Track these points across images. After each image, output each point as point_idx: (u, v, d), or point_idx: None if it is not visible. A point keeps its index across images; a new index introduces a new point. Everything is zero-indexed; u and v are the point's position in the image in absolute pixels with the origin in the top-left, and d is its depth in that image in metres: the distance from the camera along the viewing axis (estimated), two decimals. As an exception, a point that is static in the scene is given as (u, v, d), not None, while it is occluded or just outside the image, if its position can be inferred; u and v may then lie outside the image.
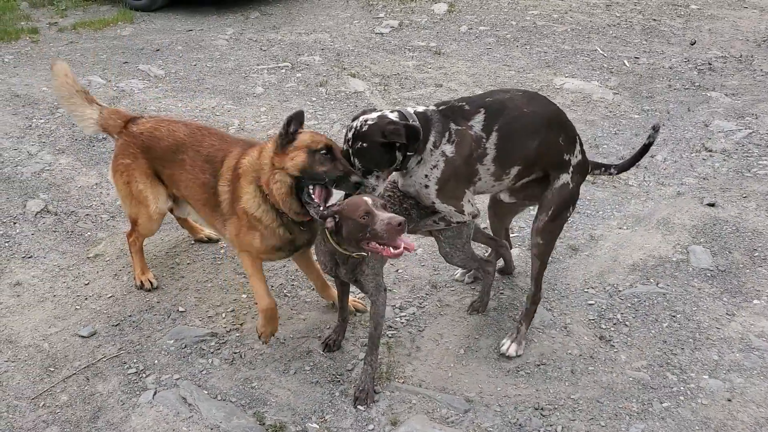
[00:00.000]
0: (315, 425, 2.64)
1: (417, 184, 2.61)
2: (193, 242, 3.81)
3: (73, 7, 8.43)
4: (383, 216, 2.29)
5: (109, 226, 3.96)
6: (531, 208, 3.38)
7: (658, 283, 3.42)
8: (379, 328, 2.72)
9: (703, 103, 5.52)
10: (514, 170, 2.69)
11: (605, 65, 6.38)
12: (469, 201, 2.67)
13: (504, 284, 3.45)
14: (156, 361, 2.96)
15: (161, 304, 3.33)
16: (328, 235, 2.52)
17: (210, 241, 3.78)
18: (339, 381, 2.85)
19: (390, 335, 3.09)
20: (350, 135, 2.50)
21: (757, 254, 3.62)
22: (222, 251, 3.73)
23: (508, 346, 2.96)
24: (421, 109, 2.58)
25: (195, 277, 3.52)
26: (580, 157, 2.83)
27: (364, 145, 2.44)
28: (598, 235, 3.84)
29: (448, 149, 2.54)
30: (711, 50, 6.69)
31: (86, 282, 3.49)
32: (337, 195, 2.64)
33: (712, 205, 4.07)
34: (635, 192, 4.28)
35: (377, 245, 2.35)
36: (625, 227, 3.92)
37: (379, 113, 2.51)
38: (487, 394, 2.77)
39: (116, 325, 3.18)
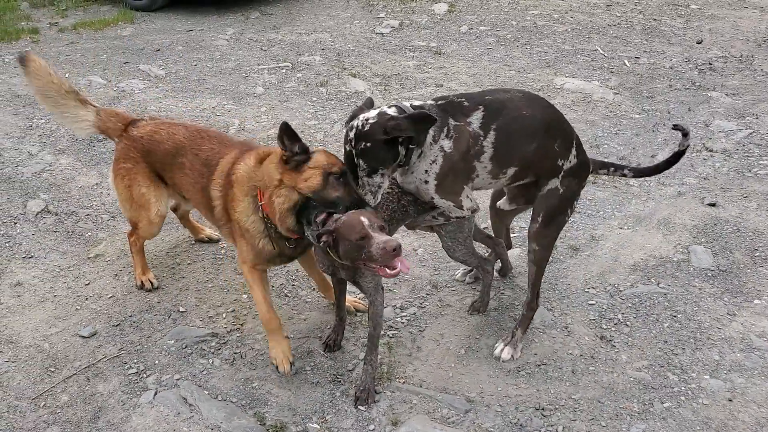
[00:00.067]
0: (315, 425, 2.64)
1: (417, 179, 2.60)
2: (193, 242, 3.81)
3: (73, 8, 8.43)
4: (379, 239, 2.27)
5: (110, 226, 3.96)
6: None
7: (659, 283, 3.42)
8: (379, 329, 2.72)
9: (704, 103, 5.51)
10: (511, 171, 2.68)
11: (606, 65, 6.38)
12: (467, 196, 2.66)
13: (505, 284, 3.45)
14: (156, 362, 2.96)
15: (162, 304, 3.33)
16: (327, 250, 2.51)
17: (210, 241, 3.78)
18: (339, 381, 2.85)
19: (391, 335, 3.08)
20: (352, 135, 2.46)
21: (757, 254, 3.62)
22: (222, 251, 3.73)
23: (502, 350, 2.95)
24: (417, 103, 2.56)
25: (195, 278, 3.52)
26: (575, 161, 2.78)
27: (368, 144, 2.42)
28: (599, 235, 3.84)
29: (446, 144, 2.53)
30: (711, 50, 6.69)
31: (87, 282, 3.49)
32: None
33: (712, 205, 4.07)
34: (636, 192, 4.28)
35: (373, 265, 2.35)
36: (625, 227, 3.92)
37: (377, 110, 2.48)
38: (488, 395, 2.77)
39: (117, 326, 3.18)
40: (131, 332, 3.14)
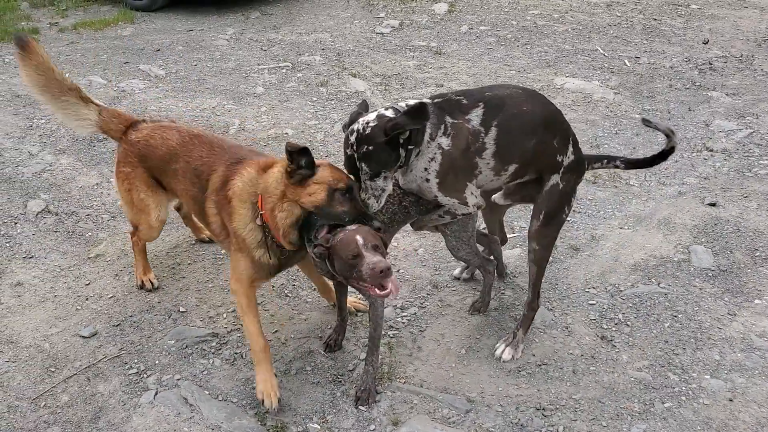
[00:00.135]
0: (316, 425, 2.63)
1: (418, 178, 2.60)
2: (194, 242, 3.81)
3: (73, 8, 8.43)
4: (370, 260, 2.28)
5: (110, 226, 3.96)
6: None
7: (659, 283, 3.42)
8: (379, 329, 2.72)
9: (704, 102, 5.51)
10: (512, 168, 2.67)
11: (606, 65, 6.38)
12: (472, 193, 2.65)
13: (505, 284, 3.45)
14: (157, 362, 2.96)
15: (162, 304, 3.33)
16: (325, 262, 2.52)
17: (212, 241, 3.77)
18: (340, 381, 2.85)
19: (391, 335, 3.08)
20: (353, 139, 2.44)
21: (758, 254, 3.62)
22: (223, 252, 3.73)
23: (503, 350, 2.95)
24: (413, 102, 2.56)
25: (196, 278, 3.52)
26: (572, 157, 2.79)
27: (370, 147, 2.41)
28: (600, 235, 3.84)
29: (444, 142, 2.53)
30: (711, 50, 6.69)
31: (87, 282, 3.49)
32: None
33: (713, 204, 4.07)
34: (636, 192, 4.28)
35: (364, 284, 2.37)
36: (626, 227, 3.92)
37: (375, 113, 2.47)
38: (488, 395, 2.77)
39: (117, 326, 3.18)
40: (132, 332, 3.14)
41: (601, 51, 6.73)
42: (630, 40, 7.04)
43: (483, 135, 2.56)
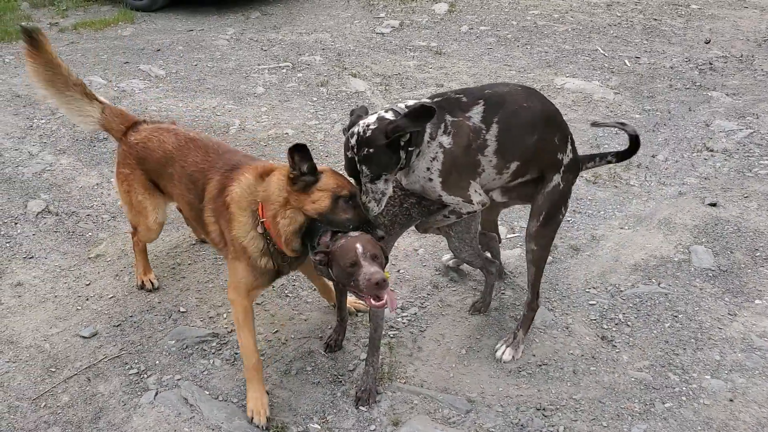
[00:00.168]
0: (316, 426, 2.63)
1: (421, 178, 2.59)
2: (194, 243, 3.80)
3: (73, 8, 8.43)
4: (367, 271, 2.28)
5: (110, 226, 3.96)
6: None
7: (659, 283, 3.42)
8: (380, 330, 2.72)
9: (704, 102, 5.51)
10: (513, 166, 2.67)
11: (606, 65, 6.38)
12: (476, 191, 2.65)
13: (505, 284, 3.45)
14: (157, 362, 2.96)
15: (162, 304, 3.33)
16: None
17: (211, 241, 3.78)
18: (340, 381, 2.85)
19: (392, 335, 3.08)
20: (354, 142, 2.44)
21: (758, 254, 3.62)
22: (223, 251, 3.73)
23: (503, 351, 2.96)
24: (411, 103, 2.56)
25: (196, 278, 3.52)
26: (571, 156, 2.81)
27: (371, 150, 2.41)
28: (600, 235, 3.84)
29: (445, 140, 2.52)
30: (712, 50, 6.69)
31: (87, 282, 3.49)
32: None
33: (713, 205, 4.07)
34: (637, 192, 4.28)
35: (360, 293, 2.36)
36: (626, 227, 3.92)
37: (376, 116, 2.47)
38: (488, 395, 2.77)
39: (117, 326, 3.18)
40: (132, 332, 3.14)
41: (602, 51, 6.73)
42: (630, 40, 7.04)
43: (484, 132, 2.56)
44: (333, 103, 5.63)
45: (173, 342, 3.07)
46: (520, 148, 2.64)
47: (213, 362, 2.96)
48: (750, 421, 2.62)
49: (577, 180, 4.32)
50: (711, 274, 3.47)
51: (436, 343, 3.06)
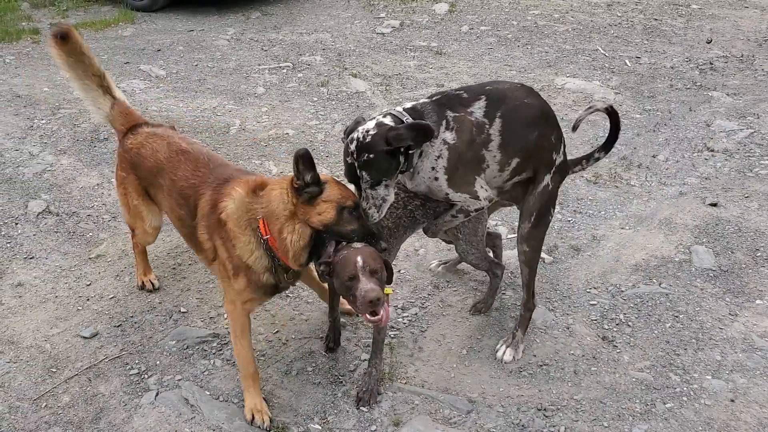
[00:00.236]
0: (317, 426, 2.63)
1: (426, 179, 2.58)
2: (194, 243, 3.80)
3: (74, 8, 8.44)
4: (364, 287, 2.27)
5: (111, 226, 3.96)
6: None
7: (660, 284, 3.42)
8: (383, 333, 2.72)
9: (705, 102, 5.51)
10: (515, 162, 2.67)
11: (607, 65, 6.38)
12: (482, 186, 2.64)
13: (506, 284, 3.44)
14: (158, 362, 2.96)
15: (163, 304, 3.33)
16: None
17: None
18: (341, 382, 2.85)
19: (392, 336, 3.08)
20: (353, 147, 2.43)
21: (759, 254, 3.62)
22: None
23: (504, 351, 2.96)
24: (409, 105, 2.55)
25: (197, 278, 3.52)
26: (562, 157, 2.84)
27: (371, 156, 2.40)
28: (601, 236, 3.83)
29: (449, 136, 2.52)
30: (712, 50, 6.69)
31: (88, 283, 3.49)
32: None
33: (714, 205, 4.07)
34: (637, 192, 4.28)
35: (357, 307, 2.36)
36: (627, 227, 3.91)
37: (375, 121, 2.46)
38: (489, 395, 2.77)
39: (118, 326, 3.18)
40: (132, 333, 3.14)
41: (602, 51, 6.72)
42: (631, 40, 7.04)
43: (488, 126, 2.56)
44: (333, 103, 5.63)
45: (174, 342, 3.07)
46: (522, 144, 2.64)
47: (214, 362, 2.96)
48: (751, 422, 2.62)
49: (578, 180, 4.36)
50: (712, 275, 3.47)
51: (437, 343, 3.06)
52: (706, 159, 4.63)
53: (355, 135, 2.45)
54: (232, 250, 2.54)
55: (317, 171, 2.37)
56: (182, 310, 3.28)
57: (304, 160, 2.32)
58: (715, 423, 2.62)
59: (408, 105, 2.55)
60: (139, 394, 2.80)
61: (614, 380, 2.84)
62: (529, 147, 2.66)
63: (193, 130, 5.12)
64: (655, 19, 7.63)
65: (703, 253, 3.62)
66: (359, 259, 2.31)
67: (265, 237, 2.45)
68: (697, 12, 7.84)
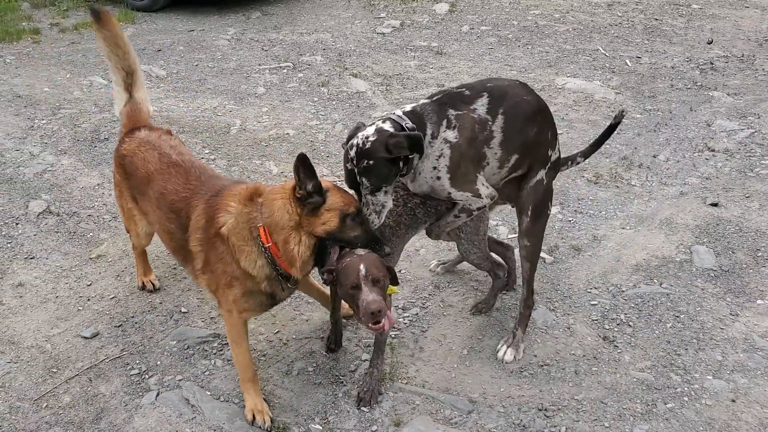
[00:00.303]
0: (318, 426, 2.63)
1: (428, 179, 2.58)
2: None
3: (74, 8, 8.43)
4: (366, 297, 2.28)
5: (112, 226, 3.96)
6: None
7: (661, 284, 3.42)
8: (385, 334, 2.72)
9: (706, 102, 5.51)
10: (513, 159, 2.68)
11: (607, 65, 6.38)
12: (483, 184, 2.64)
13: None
14: (158, 362, 2.96)
15: (163, 305, 3.33)
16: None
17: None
18: (342, 382, 2.85)
19: (393, 336, 3.08)
20: (353, 154, 2.43)
21: (760, 254, 3.61)
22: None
23: (504, 352, 2.96)
24: (409, 107, 2.55)
25: (197, 278, 3.52)
26: (557, 154, 2.87)
27: (370, 162, 2.40)
28: (601, 236, 3.83)
29: (450, 135, 2.52)
30: (713, 50, 6.69)
31: (89, 283, 3.49)
32: None
33: (715, 204, 4.07)
34: (638, 192, 4.27)
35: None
36: (628, 227, 3.91)
37: (375, 127, 2.46)
38: (490, 395, 2.77)
39: (119, 326, 3.18)
40: (133, 333, 3.14)
41: (603, 51, 6.72)
42: (631, 40, 7.04)
43: (490, 123, 2.56)
44: (334, 103, 5.62)
45: (174, 342, 3.07)
46: (522, 140, 2.65)
47: (214, 363, 2.96)
48: (752, 422, 2.62)
49: (578, 180, 4.36)
50: (713, 275, 3.47)
51: (438, 343, 3.06)
52: (706, 159, 4.63)
53: (354, 141, 2.45)
54: (231, 263, 2.52)
55: (318, 178, 2.36)
56: (183, 310, 3.28)
57: (304, 168, 2.30)
58: (716, 423, 2.62)
59: (408, 108, 2.55)
60: (140, 394, 2.80)
61: (615, 380, 2.84)
62: (528, 143, 2.68)
63: (194, 130, 5.12)
64: (656, 19, 7.63)
65: (703, 253, 3.62)
66: (362, 267, 2.31)
67: (266, 245, 2.44)
68: (697, 12, 7.84)
